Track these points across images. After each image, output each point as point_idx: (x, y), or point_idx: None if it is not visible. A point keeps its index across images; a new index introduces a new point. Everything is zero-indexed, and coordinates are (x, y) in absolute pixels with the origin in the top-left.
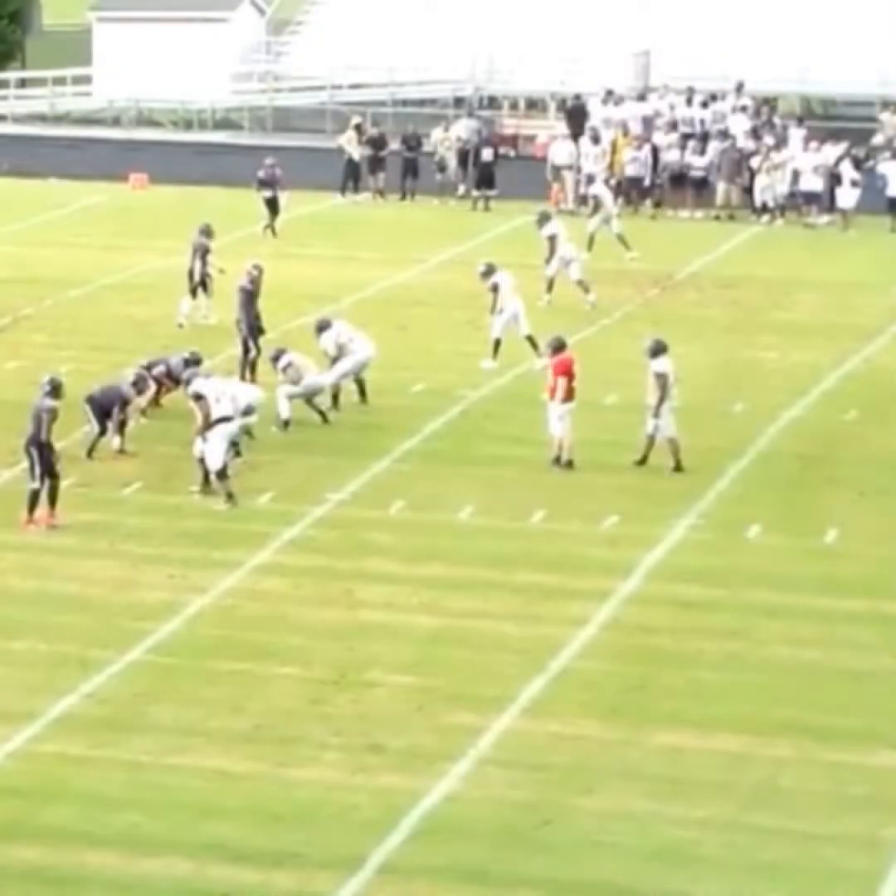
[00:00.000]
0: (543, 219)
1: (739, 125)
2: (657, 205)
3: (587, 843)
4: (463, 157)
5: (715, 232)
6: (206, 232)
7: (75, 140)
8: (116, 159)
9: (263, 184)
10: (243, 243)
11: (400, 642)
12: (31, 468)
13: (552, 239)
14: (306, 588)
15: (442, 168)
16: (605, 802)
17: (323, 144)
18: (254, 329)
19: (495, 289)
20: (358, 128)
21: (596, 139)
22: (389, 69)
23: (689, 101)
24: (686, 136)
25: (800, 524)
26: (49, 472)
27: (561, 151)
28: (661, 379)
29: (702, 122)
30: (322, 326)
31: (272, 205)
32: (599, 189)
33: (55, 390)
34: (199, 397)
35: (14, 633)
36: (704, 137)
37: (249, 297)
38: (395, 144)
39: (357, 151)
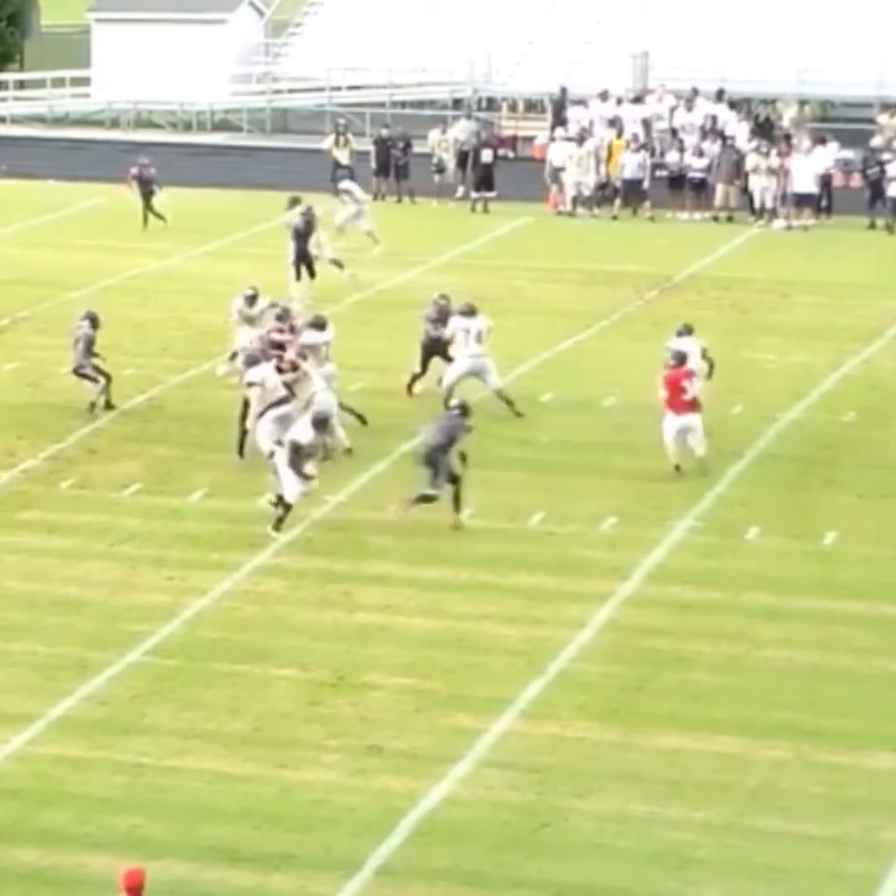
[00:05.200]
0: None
1: (737, 127)
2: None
3: (585, 845)
4: (462, 158)
5: (713, 234)
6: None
7: (74, 142)
8: (115, 161)
9: (135, 179)
10: (241, 244)
11: (398, 644)
12: None
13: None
14: (305, 590)
15: (440, 170)
16: (603, 805)
17: (322, 146)
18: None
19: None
20: (338, 129)
21: (582, 140)
22: (388, 71)
23: (687, 103)
24: (701, 139)
25: (799, 526)
26: None
27: (560, 153)
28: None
29: (701, 126)
30: (319, 324)
31: (147, 197)
32: (349, 185)
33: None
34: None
35: (13, 635)
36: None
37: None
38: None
39: (344, 154)
